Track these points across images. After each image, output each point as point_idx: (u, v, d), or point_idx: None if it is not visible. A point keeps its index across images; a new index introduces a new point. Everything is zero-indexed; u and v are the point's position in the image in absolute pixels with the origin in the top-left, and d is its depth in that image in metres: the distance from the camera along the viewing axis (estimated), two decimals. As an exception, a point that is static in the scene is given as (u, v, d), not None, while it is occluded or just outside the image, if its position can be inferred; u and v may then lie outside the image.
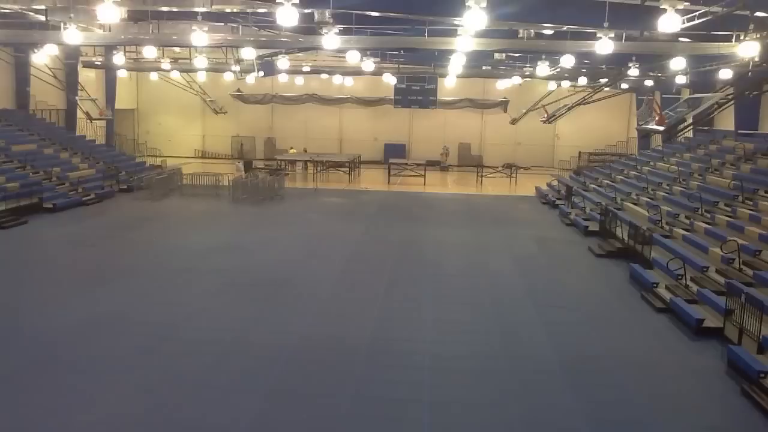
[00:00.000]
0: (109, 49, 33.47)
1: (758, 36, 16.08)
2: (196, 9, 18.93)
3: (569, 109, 37.72)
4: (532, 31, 19.48)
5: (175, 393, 9.14)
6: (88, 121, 34.55)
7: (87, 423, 8.28)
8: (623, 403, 9.30)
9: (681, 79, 27.60)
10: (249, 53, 27.79)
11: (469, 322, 12.56)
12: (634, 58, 24.82)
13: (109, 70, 37.20)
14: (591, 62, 28.08)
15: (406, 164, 37.45)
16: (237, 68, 32.71)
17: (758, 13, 15.82)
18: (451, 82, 39.23)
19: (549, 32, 20.00)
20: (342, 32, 19.10)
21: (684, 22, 14.68)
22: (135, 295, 13.76)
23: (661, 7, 13.96)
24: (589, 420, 8.71)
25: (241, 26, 22.60)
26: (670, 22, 13.84)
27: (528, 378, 9.98)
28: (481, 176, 36.26)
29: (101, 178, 28.33)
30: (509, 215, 25.56)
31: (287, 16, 14.73)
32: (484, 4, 14.07)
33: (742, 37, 16.54)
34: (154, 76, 40.76)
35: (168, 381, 9.50)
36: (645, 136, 35.34)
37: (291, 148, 41.85)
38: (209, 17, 20.83)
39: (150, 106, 45.49)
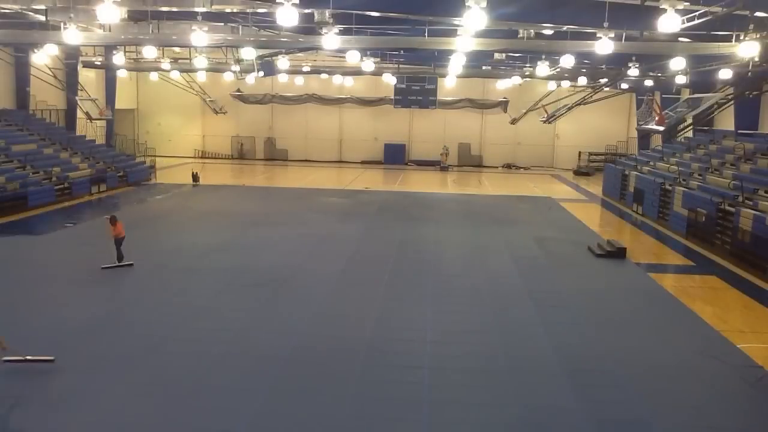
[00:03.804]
0: (109, 49, 33.53)
1: (758, 36, 16.11)
2: (196, 9, 18.95)
3: (569, 109, 37.78)
4: (532, 31, 19.51)
5: (176, 393, 9.13)
6: (88, 121, 34.59)
7: (88, 423, 8.28)
8: (623, 403, 9.28)
9: (681, 79, 27.61)
10: (249, 53, 27.84)
11: (469, 322, 12.55)
12: (634, 58, 24.84)
13: (109, 70, 37.25)
14: (591, 62, 28.11)
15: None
16: (237, 68, 32.74)
17: (758, 13, 15.84)
18: (451, 82, 39.27)
19: (549, 32, 20.02)
20: (342, 32, 19.13)
21: (684, 22, 14.70)
22: (135, 294, 13.78)
23: (661, 7, 13.99)
24: (589, 420, 8.70)
25: (241, 26, 22.63)
26: (670, 22, 13.87)
27: (528, 378, 9.97)
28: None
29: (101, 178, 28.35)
30: (509, 215, 25.54)
31: (287, 16, 14.75)
32: (484, 4, 14.09)
33: (742, 37, 16.57)
34: (154, 76, 40.80)
35: (168, 381, 9.50)
36: (645, 136, 35.38)
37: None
38: (209, 17, 20.85)
39: (150, 106, 45.54)
